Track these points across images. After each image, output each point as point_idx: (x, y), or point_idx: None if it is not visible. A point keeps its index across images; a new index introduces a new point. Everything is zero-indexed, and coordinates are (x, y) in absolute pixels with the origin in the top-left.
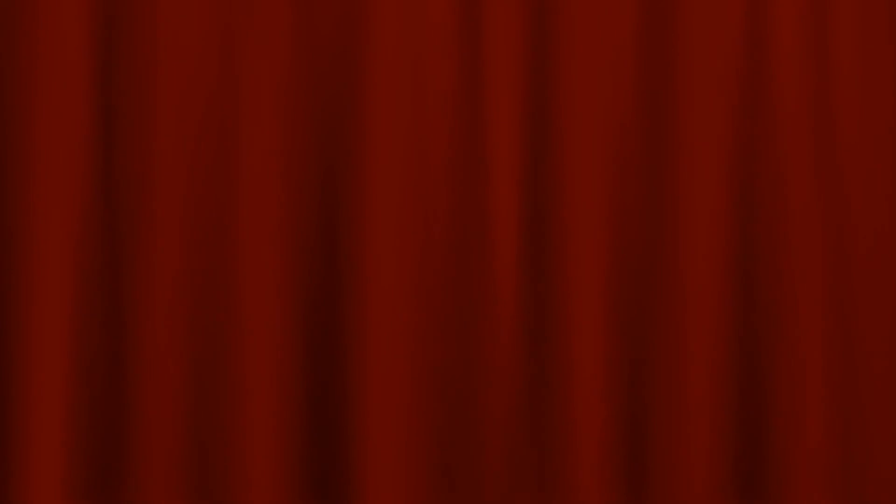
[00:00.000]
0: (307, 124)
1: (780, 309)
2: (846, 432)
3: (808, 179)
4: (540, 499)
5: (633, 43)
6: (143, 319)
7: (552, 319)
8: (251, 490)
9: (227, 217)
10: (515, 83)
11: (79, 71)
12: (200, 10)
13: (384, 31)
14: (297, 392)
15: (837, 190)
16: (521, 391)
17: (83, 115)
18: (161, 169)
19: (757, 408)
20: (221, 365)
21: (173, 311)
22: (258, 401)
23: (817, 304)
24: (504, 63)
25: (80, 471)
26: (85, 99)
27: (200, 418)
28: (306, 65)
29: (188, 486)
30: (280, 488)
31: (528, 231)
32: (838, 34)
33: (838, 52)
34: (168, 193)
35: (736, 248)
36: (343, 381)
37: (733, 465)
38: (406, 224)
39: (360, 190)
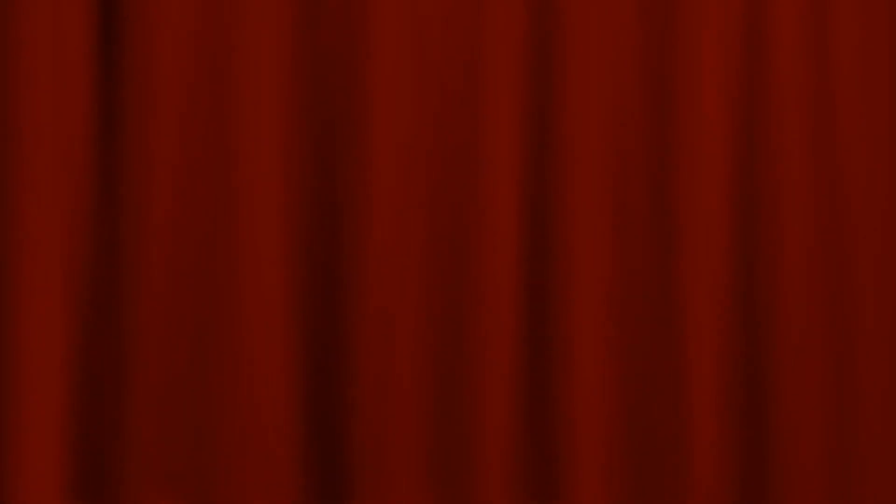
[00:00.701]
0: (308, 123)
1: (781, 309)
2: (847, 434)
3: (808, 179)
4: (540, 500)
5: (635, 42)
6: (142, 319)
7: (553, 319)
8: (250, 490)
9: (227, 215)
10: (517, 81)
11: (78, 69)
12: (200, 8)
13: (385, 28)
14: (298, 391)
15: (837, 189)
16: (522, 391)
17: (82, 112)
18: (161, 166)
19: (758, 409)
20: (221, 365)
21: (173, 309)
22: (257, 401)
23: (818, 304)
24: (506, 62)
25: (78, 471)
26: (84, 96)
27: (199, 418)
28: (308, 63)
29: (186, 486)
30: (280, 488)
31: (529, 230)
32: (838, 34)
33: (838, 52)
34: (168, 191)
35: (737, 248)
36: (343, 381)
37: (734, 467)
38: (407, 223)
39: (360, 190)
